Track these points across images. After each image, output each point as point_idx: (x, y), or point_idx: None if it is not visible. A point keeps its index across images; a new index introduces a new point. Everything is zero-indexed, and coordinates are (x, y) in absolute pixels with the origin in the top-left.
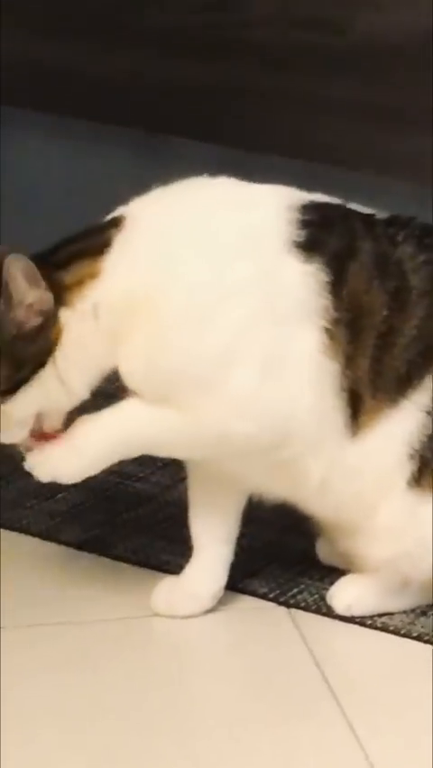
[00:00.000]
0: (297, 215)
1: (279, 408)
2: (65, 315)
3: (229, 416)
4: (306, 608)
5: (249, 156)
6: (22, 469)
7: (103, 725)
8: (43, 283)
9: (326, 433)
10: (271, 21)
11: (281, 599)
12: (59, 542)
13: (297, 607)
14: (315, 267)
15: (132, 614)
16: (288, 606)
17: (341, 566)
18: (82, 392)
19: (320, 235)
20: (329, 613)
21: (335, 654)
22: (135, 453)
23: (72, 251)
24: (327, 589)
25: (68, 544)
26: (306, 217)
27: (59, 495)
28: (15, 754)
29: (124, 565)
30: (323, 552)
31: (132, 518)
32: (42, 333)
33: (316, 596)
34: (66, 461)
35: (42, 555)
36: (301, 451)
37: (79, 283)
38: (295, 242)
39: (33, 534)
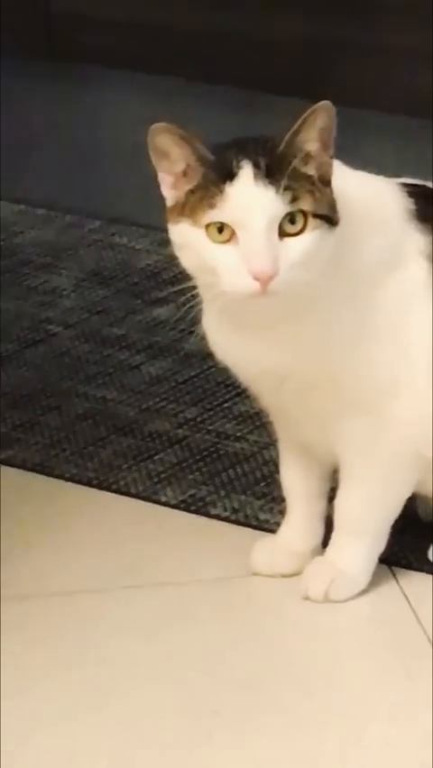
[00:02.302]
0: (405, 189)
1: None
2: None
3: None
4: (407, 566)
5: (348, 112)
6: (118, 429)
7: (203, 685)
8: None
9: None
10: None
11: (382, 557)
12: (158, 502)
13: (398, 564)
14: (429, 237)
15: (231, 574)
16: (389, 563)
17: None
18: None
19: (426, 207)
20: (431, 569)
21: None
22: (394, 517)
23: None
24: (428, 546)
25: (166, 504)
26: (409, 190)
27: (157, 456)
28: (116, 713)
29: (224, 525)
30: (424, 508)
31: (230, 478)
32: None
33: (417, 552)
34: (349, 589)
35: (141, 516)
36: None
37: None
38: (410, 210)
39: (132, 496)
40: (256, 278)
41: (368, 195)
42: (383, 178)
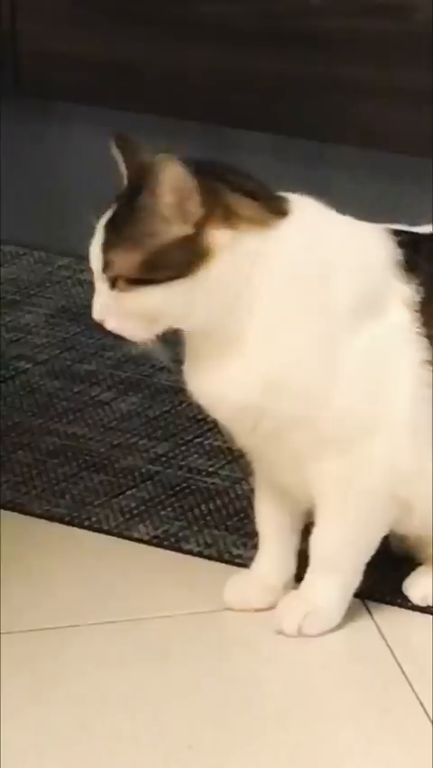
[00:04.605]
0: (394, 238)
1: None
2: (225, 238)
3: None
4: (381, 600)
5: (311, 145)
6: (90, 466)
7: (177, 721)
8: (196, 193)
9: (420, 445)
10: (331, 8)
11: (357, 591)
12: (130, 538)
13: (372, 598)
14: (412, 286)
15: (204, 609)
16: (363, 597)
17: (416, 558)
18: (191, 326)
19: (413, 257)
20: (404, 604)
21: (411, 645)
22: (370, 555)
23: (255, 191)
24: (402, 580)
25: (139, 540)
26: (400, 239)
27: (129, 492)
28: (89, 749)
29: (196, 560)
30: (396, 543)
31: (202, 513)
32: (188, 243)
33: (391, 586)
34: (322, 624)
35: (113, 552)
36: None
37: (251, 220)
38: (398, 260)
39: (104, 532)
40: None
41: (349, 242)
42: (373, 224)
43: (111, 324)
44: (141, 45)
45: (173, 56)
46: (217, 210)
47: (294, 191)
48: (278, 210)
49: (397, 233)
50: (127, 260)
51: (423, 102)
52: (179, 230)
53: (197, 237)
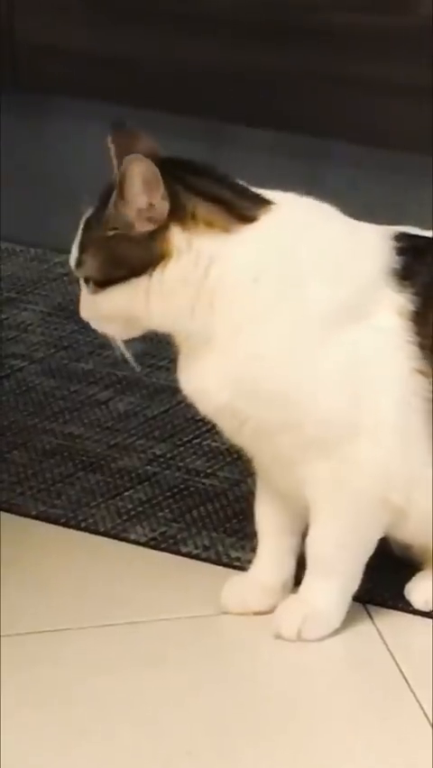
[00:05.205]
0: (394, 243)
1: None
2: (180, 240)
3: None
4: (382, 603)
5: (312, 142)
6: (86, 466)
7: (176, 726)
8: (162, 193)
9: (410, 452)
10: (332, 3)
11: (357, 594)
12: (127, 540)
13: (372, 602)
14: (406, 295)
15: (202, 612)
16: (364, 601)
17: (418, 562)
18: (158, 326)
19: (412, 264)
20: (406, 608)
21: (412, 650)
22: (366, 557)
23: (219, 194)
24: (403, 584)
25: (136, 542)
26: (401, 245)
27: (126, 493)
28: (86, 754)
29: (194, 563)
30: (397, 546)
31: (201, 515)
32: (146, 242)
33: (392, 591)
34: (322, 628)
35: (110, 554)
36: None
37: (208, 225)
38: (393, 268)
39: (100, 534)
40: None
41: (334, 246)
42: (375, 227)
43: (93, 324)
44: (139, 40)
45: (172, 51)
46: (175, 211)
47: (293, 188)
48: (245, 214)
49: (401, 237)
50: (95, 262)
51: (424, 98)
52: (141, 226)
53: (156, 236)
